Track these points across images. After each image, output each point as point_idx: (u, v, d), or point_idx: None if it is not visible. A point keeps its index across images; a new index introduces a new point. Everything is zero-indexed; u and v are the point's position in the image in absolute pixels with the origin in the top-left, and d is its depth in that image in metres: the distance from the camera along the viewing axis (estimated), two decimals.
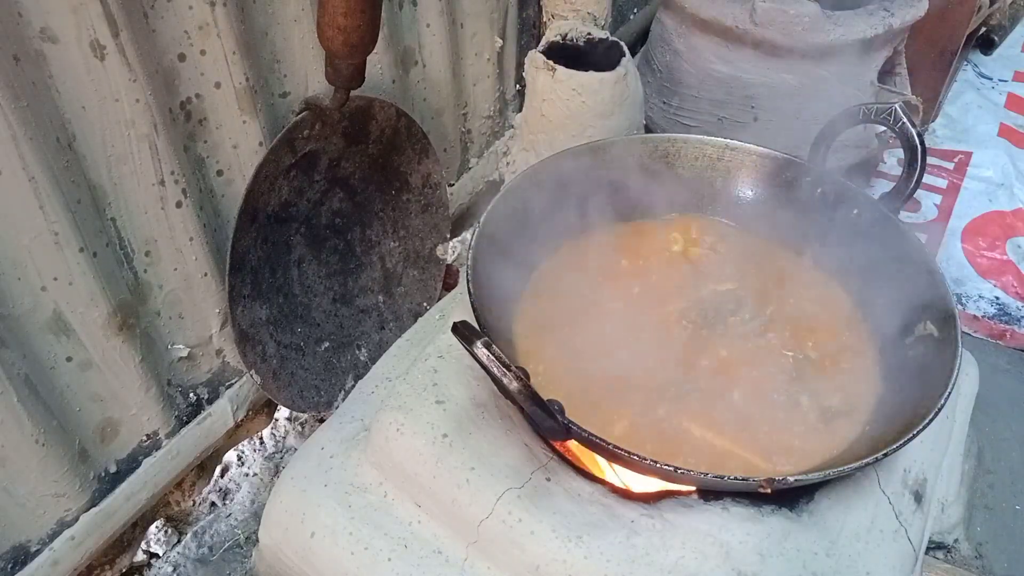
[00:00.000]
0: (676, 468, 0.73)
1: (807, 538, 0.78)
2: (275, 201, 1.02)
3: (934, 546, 1.14)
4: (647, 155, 1.08)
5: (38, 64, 0.73)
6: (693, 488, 0.81)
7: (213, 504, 1.20)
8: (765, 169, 1.08)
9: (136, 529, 1.04)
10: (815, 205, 1.05)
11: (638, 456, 0.73)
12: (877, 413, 0.88)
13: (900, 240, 0.96)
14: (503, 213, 0.96)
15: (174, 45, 0.84)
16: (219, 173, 0.96)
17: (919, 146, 0.95)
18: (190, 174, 0.90)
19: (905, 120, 0.95)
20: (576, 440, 0.76)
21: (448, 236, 1.30)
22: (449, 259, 1.33)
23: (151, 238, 0.89)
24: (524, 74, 1.30)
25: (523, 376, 0.69)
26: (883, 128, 1.03)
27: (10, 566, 0.87)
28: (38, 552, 0.89)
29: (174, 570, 1.12)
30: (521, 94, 1.43)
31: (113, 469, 0.96)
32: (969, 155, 1.89)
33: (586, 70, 1.23)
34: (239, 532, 1.17)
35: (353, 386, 1.06)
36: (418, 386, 0.89)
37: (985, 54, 2.22)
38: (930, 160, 1.50)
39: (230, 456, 1.23)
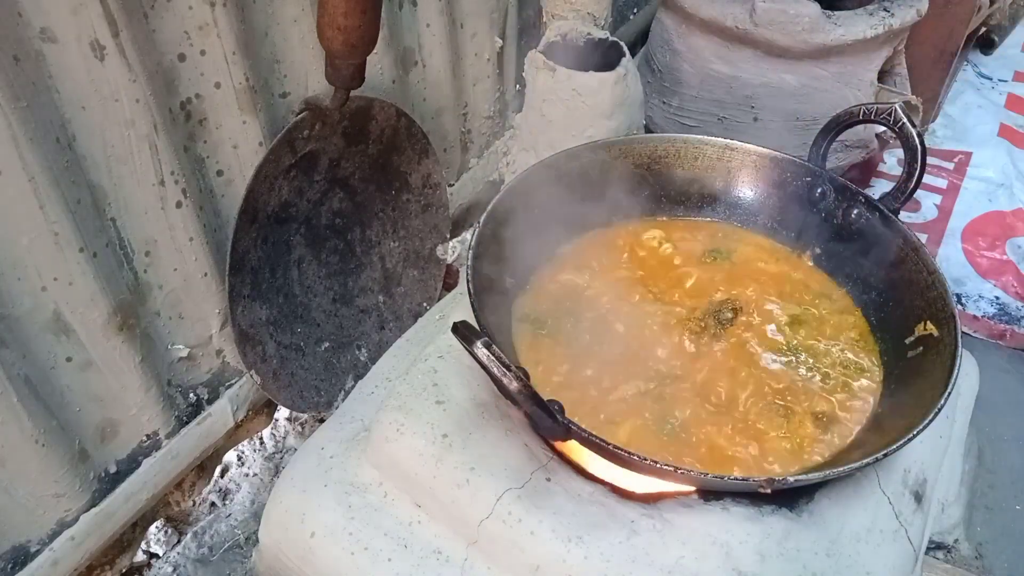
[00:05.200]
0: (676, 468, 0.73)
1: (807, 538, 0.78)
2: (275, 201, 1.02)
3: (934, 546, 1.14)
4: (647, 155, 1.08)
5: (38, 64, 0.73)
6: (693, 488, 0.81)
7: (213, 504, 1.20)
8: (765, 169, 1.08)
9: (136, 529, 1.04)
10: (815, 205, 1.05)
11: (638, 456, 0.73)
12: (877, 413, 0.88)
13: (900, 240, 0.96)
14: (503, 213, 0.96)
15: (174, 45, 0.84)
16: (219, 173, 0.96)
17: (919, 146, 0.95)
18: (190, 174, 0.90)
19: (905, 120, 0.95)
20: (576, 440, 0.76)
21: (448, 236, 1.30)
22: (449, 259, 1.33)
23: (151, 238, 0.89)
24: (524, 74, 1.30)
25: (523, 376, 0.69)
26: (883, 128, 1.03)
27: (10, 566, 0.87)
28: (38, 552, 0.89)
29: (174, 570, 1.12)
30: (521, 94, 1.43)
31: (113, 469, 0.96)
32: (969, 155, 1.89)
33: (586, 70, 1.23)
34: (239, 532, 1.16)
35: (353, 386, 1.06)
36: (418, 386, 0.89)
37: (985, 54, 2.22)
38: (930, 160, 1.50)
39: (230, 456, 1.23)
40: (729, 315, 0.96)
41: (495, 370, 0.68)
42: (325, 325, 1.17)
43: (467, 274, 0.87)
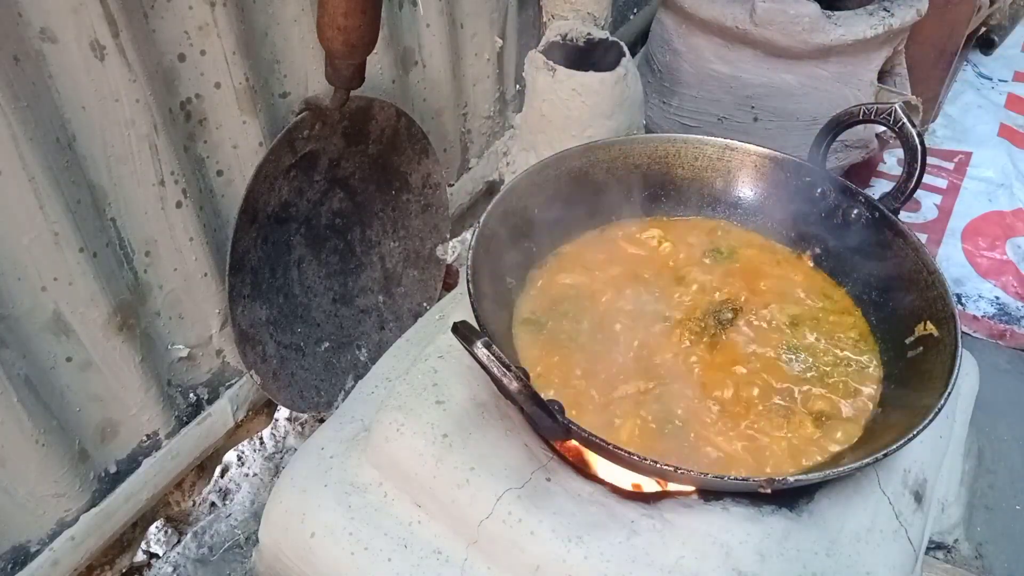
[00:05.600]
0: (676, 468, 0.73)
1: (807, 538, 0.78)
2: (275, 201, 1.02)
3: (934, 546, 1.14)
4: (647, 155, 1.08)
5: (38, 64, 0.73)
6: (693, 488, 0.81)
7: (213, 504, 1.20)
8: (765, 169, 1.08)
9: (136, 529, 1.04)
10: (815, 205, 1.05)
11: (638, 456, 0.73)
12: (877, 413, 0.88)
13: (900, 240, 0.96)
14: (503, 213, 0.96)
15: (174, 45, 0.84)
16: (219, 173, 0.96)
17: (919, 146, 0.95)
18: (190, 174, 0.90)
19: (905, 120, 0.95)
20: (576, 440, 0.76)
21: (448, 236, 1.30)
22: (449, 259, 1.33)
23: (151, 238, 0.89)
24: (524, 74, 1.30)
25: (523, 376, 0.69)
26: (883, 128, 1.03)
27: (10, 566, 0.87)
28: (38, 552, 0.89)
29: (174, 570, 1.12)
30: (521, 94, 1.43)
31: (113, 469, 0.96)
32: (969, 155, 1.89)
33: (586, 70, 1.23)
34: (239, 532, 1.17)
35: (353, 386, 1.06)
36: (418, 386, 0.89)
37: (985, 54, 2.22)
38: (930, 160, 1.50)
39: (230, 456, 1.23)
40: (729, 315, 0.96)
41: (495, 370, 0.68)
42: (325, 325, 1.17)
43: (467, 274, 0.87)
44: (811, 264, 1.05)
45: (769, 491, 0.74)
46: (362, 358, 1.22)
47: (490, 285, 0.92)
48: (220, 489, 1.21)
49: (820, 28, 1.34)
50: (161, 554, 1.13)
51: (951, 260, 1.63)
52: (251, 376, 1.04)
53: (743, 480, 0.77)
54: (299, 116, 0.97)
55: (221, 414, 1.06)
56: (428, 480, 0.84)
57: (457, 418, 0.86)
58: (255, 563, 0.98)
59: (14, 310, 0.78)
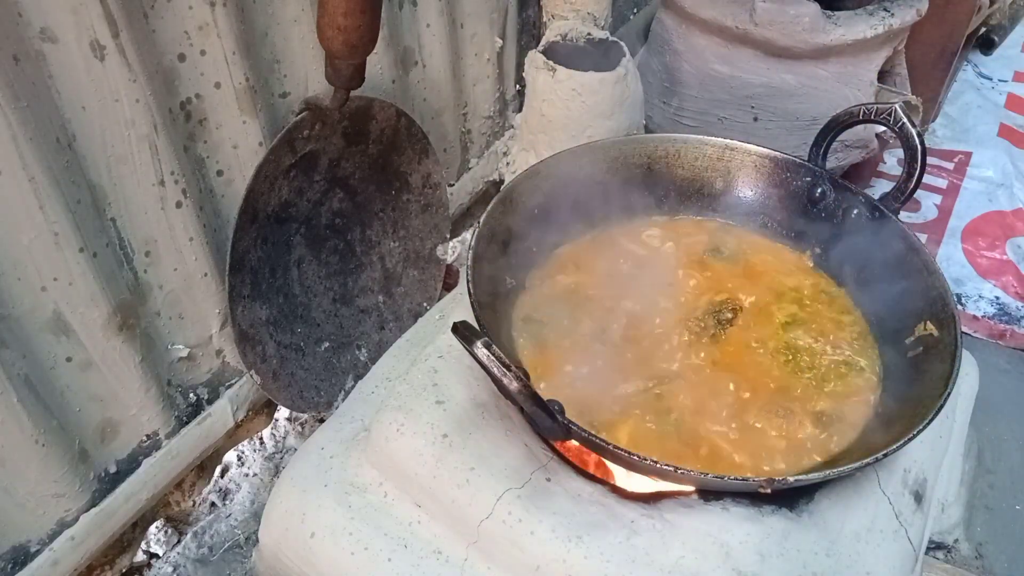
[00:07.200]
0: (676, 468, 0.73)
1: (807, 538, 0.78)
2: (275, 201, 1.02)
3: (934, 546, 1.14)
4: (647, 155, 1.08)
5: (38, 64, 0.73)
6: (693, 488, 0.81)
7: (213, 504, 1.20)
8: (765, 169, 1.08)
9: (136, 529, 1.04)
10: (815, 205, 1.05)
11: (638, 456, 0.73)
12: (877, 413, 0.88)
13: (900, 240, 0.96)
14: (503, 213, 0.96)
15: (174, 45, 0.84)
16: (219, 173, 0.96)
17: (919, 146, 0.95)
18: (190, 174, 0.90)
19: (905, 120, 0.95)
20: (576, 440, 0.76)
21: (448, 236, 1.30)
22: (449, 259, 1.33)
23: (151, 238, 0.89)
24: (524, 74, 1.30)
25: (523, 376, 0.69)
26: (883, 128, 1.03)
27: (10, 566, 0.87)
28: (38, 552, 0.89)
29: (174, 570, 1.12)
30: (521, 94, 1.43)
31: (113, 469, 0.96)
32: (969, 155, 1.89)
33: (586, 70, 1.23)
34: (239, 532, 1.17)
35: (353, 386, 1.06)
36: (418, 386, 0.89)
37: (985, 54, 2.22)
38: (930, 160, 1.50)
39: (230, 456, 1.23)
40: (729, 315, 0.96)
41: (495, 370, 0.68)
42: (325, 325, 1.17)
43: (467, 274, 0.87)
44: (811, 264, 1.05)
45: (769, 491, 0.74)
46: (362, 358, 1.22)
47: (490, 285, 0.92)
48: (220, 489, 1.21)
49: (820, 28, 1.34)
50: (161, 554, 1.13)
51: (951, 260, 1.63)
52: (251, 376, 1.04)
53: (743, 480, 0.77)
54: (299, 116, 0.97)
55: (221, 414, 1.06)
56: (428, 480, 0.84)
57: (457, 418, 0.86)
58: (255, 563, 0.98)
59: (14, 310, 0.78)
